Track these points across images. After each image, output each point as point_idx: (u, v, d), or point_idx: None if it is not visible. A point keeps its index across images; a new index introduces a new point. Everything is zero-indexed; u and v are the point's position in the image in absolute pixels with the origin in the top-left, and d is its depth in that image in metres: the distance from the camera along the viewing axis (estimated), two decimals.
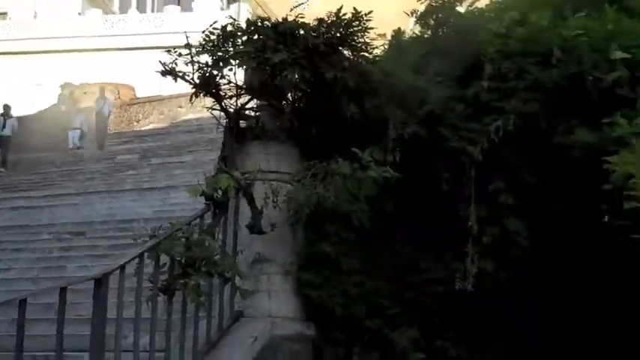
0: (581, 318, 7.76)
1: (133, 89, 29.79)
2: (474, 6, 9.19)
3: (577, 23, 7.98)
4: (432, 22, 9.05)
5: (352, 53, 7.68)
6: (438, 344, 7.55)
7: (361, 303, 7.36)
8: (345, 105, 7.49)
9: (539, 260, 7.59)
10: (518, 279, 7.56)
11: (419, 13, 9.06)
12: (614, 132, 7.08)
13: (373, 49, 7.81)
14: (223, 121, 7.81)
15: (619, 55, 7.71)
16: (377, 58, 8.02)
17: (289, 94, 7.91)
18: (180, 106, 26.28)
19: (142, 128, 26.85)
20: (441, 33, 9.00)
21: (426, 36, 9.06)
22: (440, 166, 7.55)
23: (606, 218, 7.94)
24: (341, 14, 7.48)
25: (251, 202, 6.97)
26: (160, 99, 28.13)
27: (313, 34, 7.44)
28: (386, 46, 8.67)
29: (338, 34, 7.50)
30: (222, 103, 7.75)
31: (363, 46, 7.67)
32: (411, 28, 9.24)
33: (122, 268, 5.80)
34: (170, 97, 26.82)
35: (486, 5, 9.34)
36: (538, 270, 7.61)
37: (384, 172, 6.73)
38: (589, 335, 7.77)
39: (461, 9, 9.09)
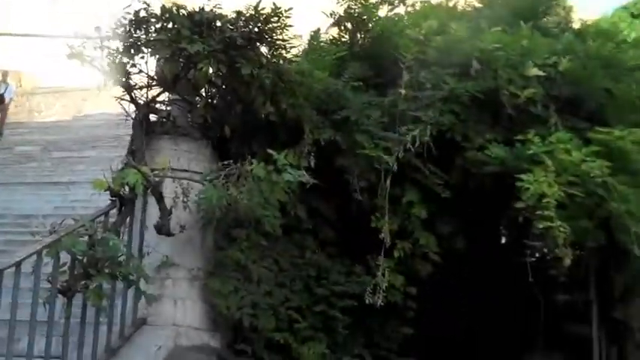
0: (491, 333, 7.80)
1: (36, 78, 28.75)
2: (392, 12, 9.14)
3: (493, 37, 8.02)
4: (351, 25, 8.95)
5: (270, 50, 7.40)
6: None
7: (270, 314, 7.08)
8: (261, 104, 7.25)
9: (450, 276, 7.55)
10: (429, 294, 7.50)
11: (337, 15, 8.94)
12: (527, 150, 7.12)
13: (291, 47, 7.57)
14: (132, 114, 7.41)
15: (534, 72, 7.79)
16: (294, 58, 7.81)
17: (203, 89, 7.60)
18: (85, 99, 25.49)
19: (45, 120, 25.94)
20: (359, 37, 8.90)
21: (344, 39, 8.94)
22: (355, 175, 7.40)
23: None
24: (260, 8, 7.21)
25: (160, 201, 6.63)
26: (64, 90, 27.22)
27: (231, 26, 7.13)
28: (304, 47, 8.49)
29: (256, 29, 7.21)
30: (132, 94, 7.36)
31: (282, 44, 7.41)
32: (326, 29, 9.07)
33: (18, 265, 5.46)
34: (75, 90, 25.96)
35: (405, 12, 9.31)
36: (449, 285, 7.58)
37: (300, 176, 6.48)
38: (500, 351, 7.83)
39: (379, 14, 9.01)
